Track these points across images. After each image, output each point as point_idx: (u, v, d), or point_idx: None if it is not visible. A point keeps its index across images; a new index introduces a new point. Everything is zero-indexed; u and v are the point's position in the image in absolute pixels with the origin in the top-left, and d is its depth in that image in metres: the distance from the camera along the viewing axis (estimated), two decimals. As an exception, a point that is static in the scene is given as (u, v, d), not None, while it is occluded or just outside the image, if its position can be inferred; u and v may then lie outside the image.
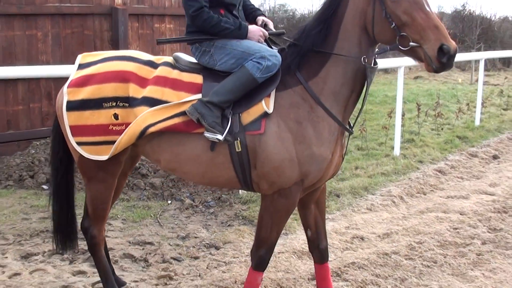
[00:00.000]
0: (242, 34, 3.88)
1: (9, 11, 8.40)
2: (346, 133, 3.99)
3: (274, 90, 3.76)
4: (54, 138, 4.32)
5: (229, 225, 6.12)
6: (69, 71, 6.98)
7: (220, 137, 3.66)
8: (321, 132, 3.73)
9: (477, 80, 14.30)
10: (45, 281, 4.78)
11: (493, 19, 30.53)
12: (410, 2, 3.49)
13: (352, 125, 4.07)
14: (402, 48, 3.53)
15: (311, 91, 3.75)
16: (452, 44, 3.41)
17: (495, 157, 9.49)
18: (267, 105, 3.72)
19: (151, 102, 3.80)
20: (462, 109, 12.44)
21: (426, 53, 3.45)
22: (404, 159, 8.87)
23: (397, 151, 9.16)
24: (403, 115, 10.00)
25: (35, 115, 8.77)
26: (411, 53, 3.55)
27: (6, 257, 5.25)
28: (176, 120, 3.77)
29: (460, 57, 16.07)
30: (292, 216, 6.09)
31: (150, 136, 3.86)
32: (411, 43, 3.48)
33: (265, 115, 3.71)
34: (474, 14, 28.92)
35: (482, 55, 13.77)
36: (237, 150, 3.72)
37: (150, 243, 5.60)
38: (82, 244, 5.19)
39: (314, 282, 4.66)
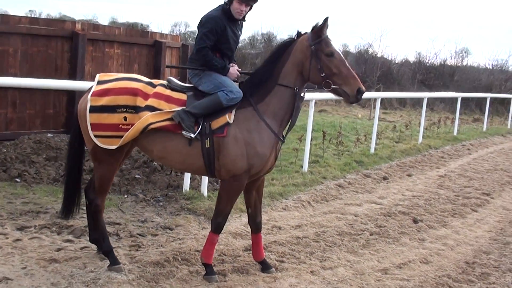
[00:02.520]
0: (224, 72, 5.94)
1: (-15, 29, 9.91)
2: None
3: (235, 109, 5.75)
4: (73, 133, 6.11)
5: (177, 214, 7.90)
6: (33, 83, 8.91)
7: (192, 135, 5.62)
8: (263, 138, 5.73)
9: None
10: (43, 244, 6.40)
11: (393, 63, 33.66)
12: (338, 60, 5.65)
13: (284, 136, 6.04)
14: (326, 88, 5.68)
15: (258, 111, 5.76)
16: (363, 87, 5.66)
17: (385, 178, 11.72)
18: (229, 118, 5.70)
19: (151, 109, 5.67)
20: (360, 139, 14.75)
21: (346, 92, 5.60)
22: (311, 175, 10.97)
23: (305, 168, 11.25)
24: (311, 140, 12.05)
25: (1, 120, 10.24)
26: (333, 91, 5.70)
27: (6, 228, 6.81)
28: (167, 122, 5.67)
29: (360, 95, 18.54)
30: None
31: (148, 133, 5.70)
32: (333, 86, 5.62)
33: (227, 124, 5.68)
34: (376, 56, 31.80)
35: (380, 95, 16.29)
36: (206, 146, 5.68)
37: (118, 224, 7.30)
38: (65, 221, 6.88)
39: (247, 253, 6.57)
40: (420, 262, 6.93)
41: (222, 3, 6.00)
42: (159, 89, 5.83)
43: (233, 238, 7.15)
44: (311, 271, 6.35)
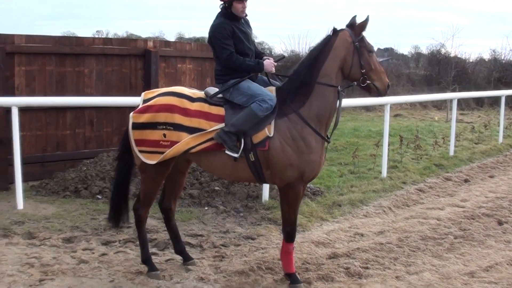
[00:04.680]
0: (260, 68, 5.99)
1: (63, 51, 10.34)
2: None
3: (274, 119, 5.78)
4: (122, 147, 6.36)
5: (258, 225, 8.02)
6: (109, 101, 9.34)
7: (236, 155, 5.73)
8: (311, 144, 5.78)
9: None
10: (128, 258, 6.63)
11: (467, 62, 32.98)
12: (374, 57, 5.91)
13: (329, 137, 6.09)
14: (361, 84, 5.90)
15: (301, 116, 5.80)
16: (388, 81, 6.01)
17: (466, 180, 11.53)
18: (269, 131, 5.74)
19: (191, 130, 5.78)
20: (438, 142, 14.56)
21: (377, 87, 5.88)
22: (390, 180, 10.93)
23: (384, 174, 11.20)
24: (388, 145, 11.98)
25: (80, 139, 10.64)
26: (365, 87, 5.91)
27: (92, 243, 7.08)
28: (209, 143, 5.80)
29: (436, 97, 18.36)
30: (306, 218, 8.13)
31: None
32: (367, 81, 5.85)
33: (268, 137, 5.73)
34: (449, 56, 31.26)
35: (456, 95, 16.04)
36: (251, 159, 5.78)
37: (201, 235, 7.48)
38: (149, 236, 7.08)
39: (331, 260, 6.64)
40: (507, 264, 6.80)
41: (219, 10, 6.08)
42: (198, 106, 5.90)
43: (315, 247, 7.19)
44: (396, 277, 6.33)
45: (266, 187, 8.95)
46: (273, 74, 6.19)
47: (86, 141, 10.78)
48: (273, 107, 5.80)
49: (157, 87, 10.89)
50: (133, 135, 5.95)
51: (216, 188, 9.27)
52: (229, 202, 8.97)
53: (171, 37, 53.42)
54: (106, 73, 10.97)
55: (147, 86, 10.88)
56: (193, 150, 5.80)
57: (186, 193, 9.11)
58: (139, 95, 6.41)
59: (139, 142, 5.92)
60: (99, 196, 9.12)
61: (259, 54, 6.29)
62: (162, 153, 5.83)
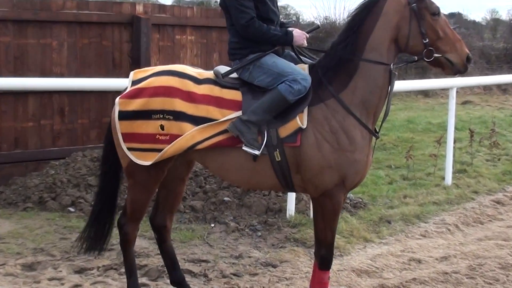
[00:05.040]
0: (288, 40, 5.81)
1: (23, 17, 10.36)
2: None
3: (307, 106, 5.61)
4: (107, 145, 6.24)
5: (281, 247, 8.01)
6: (85, 84, 9.26)
7: (257, 152, 5.51)
8: (354, 139, 5.64)
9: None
10: (109, 290, 6.65)
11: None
12: (443, 21, 5.72)
13: (378, 131, 5.99)
14: (426, 59, 5.70)
15: (343, 103, 5.66)
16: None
17: (560, 189, 11.46)
18: (301, 121, 5.55)
19: (197, 120, 5.59)
20: (523, 138, 14.49)
21: (451, 61, 5.66)
22: (457, 189, 10.88)
23: (448, 180, 11.16)
24: (454, 142, 11.89)
25: (46, 133, 10.68)
26: (433, 62, 5.74)
27: (61, 271, 7.09)
28: (220, 137, 5.59)
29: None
30: (345, 239, 8.12)
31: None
32: (435, 55, 5.64)
33: (300, 130, 5.55)
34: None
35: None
36: (277, 159, 5.60)
37: (205, 261, 7.48)
38: (138, 261, 7.08)
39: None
40: None
41: None
42: (206, 89, 5.74)
43: (357, 276, 7.18)
44: (467, 319, 6.31)
45: (291, 198, 8.93)
46: (304, 48, 6.10)
47: (55, 136, 10.81)
48: (307, 89, 5.65)
49: (149, 65, 10.89)
50: (119, 127, 5.75)
51: (226, 198, 9.28)
52: (242, 217, 8.97)
53: (168, 1, 53.46)
54: (82, 47, 11.00)
55: (136, 64, 10.88)
56: (199, 147, 5.61)
57: (186, 205, 9.13)
58: (126, 75, 6.40)
59: (127, 137, 5.76)
60: (71, 209, 9.15)
61: (282, 24, 6.20)
62: (160, 150, 5.65)
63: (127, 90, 5.89)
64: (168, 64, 6.76)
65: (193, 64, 9.11)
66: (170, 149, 5.64)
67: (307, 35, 5.96)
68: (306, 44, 5.97)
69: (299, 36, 5.86)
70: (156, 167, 5.81)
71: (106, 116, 11.02)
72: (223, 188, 9.52)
